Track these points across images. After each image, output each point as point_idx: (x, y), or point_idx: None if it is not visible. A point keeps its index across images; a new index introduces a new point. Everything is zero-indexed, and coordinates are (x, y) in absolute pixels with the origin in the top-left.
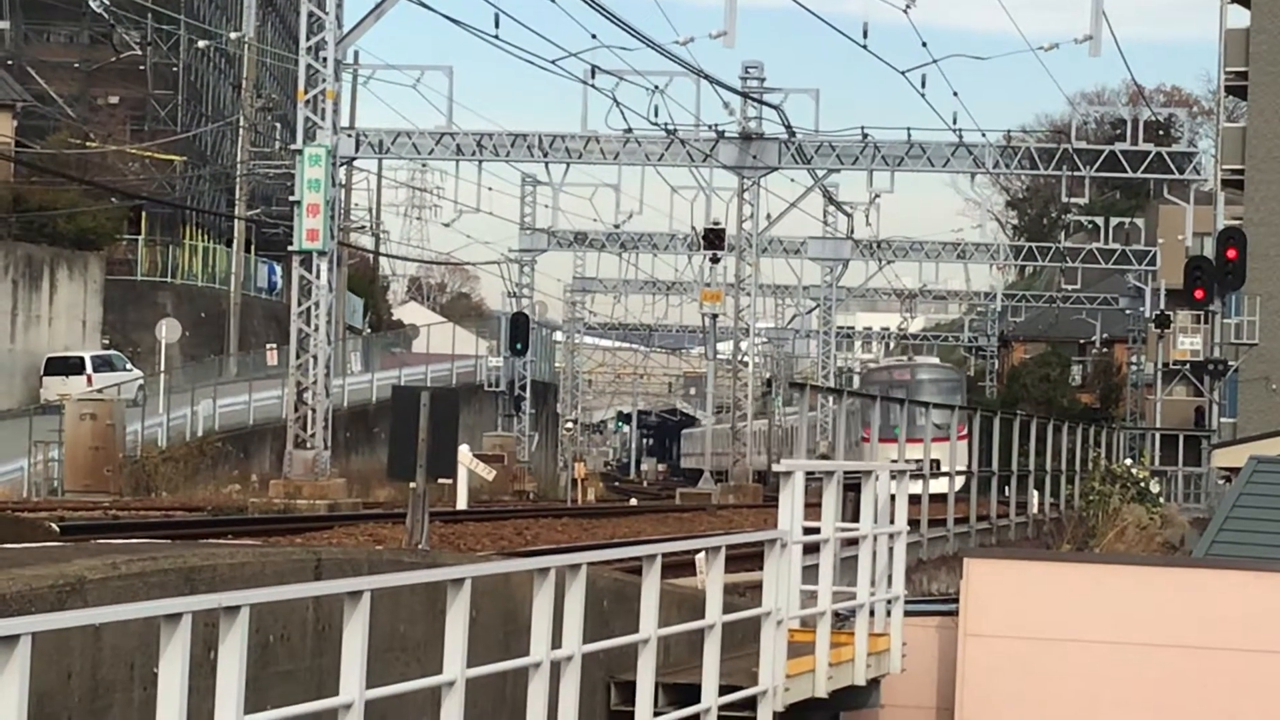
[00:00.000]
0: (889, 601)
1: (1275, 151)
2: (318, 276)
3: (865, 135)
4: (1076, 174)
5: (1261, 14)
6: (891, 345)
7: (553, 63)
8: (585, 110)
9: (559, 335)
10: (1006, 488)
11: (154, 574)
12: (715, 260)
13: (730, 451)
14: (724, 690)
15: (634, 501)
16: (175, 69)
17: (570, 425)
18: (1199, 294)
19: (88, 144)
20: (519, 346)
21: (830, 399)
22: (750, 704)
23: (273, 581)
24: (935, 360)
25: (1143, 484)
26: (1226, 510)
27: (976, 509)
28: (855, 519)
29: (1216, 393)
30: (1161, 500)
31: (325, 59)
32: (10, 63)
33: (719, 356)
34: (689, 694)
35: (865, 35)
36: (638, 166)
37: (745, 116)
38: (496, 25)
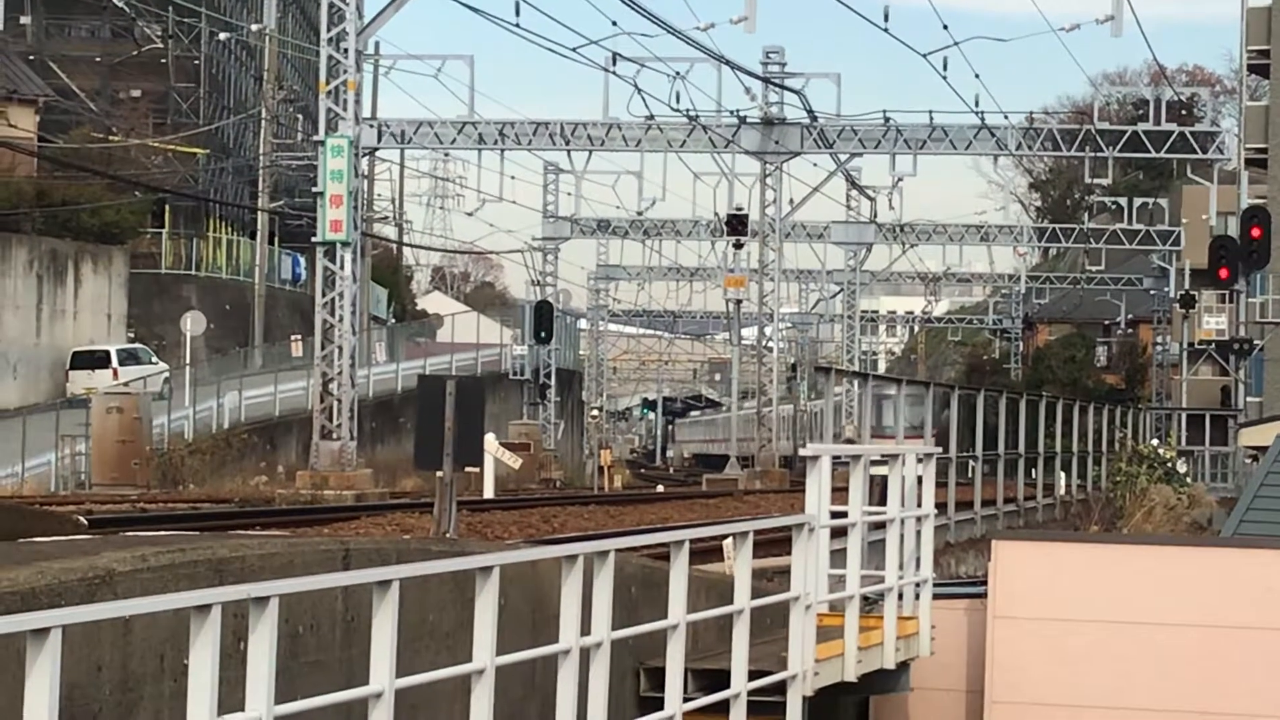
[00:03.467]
0: (917, 585)
1: None
2: (341, 267)
3: (887, 119)
4: (1099, 155)
5: None
6: (916, 329)
7: (574, 50)
8: (607, 97)
9: (583, 323)
10: (1033, 470)
11: (183, 566)
12: (738, 246)
13: (756, 437)
14: (753, 675)
15: (660, 488)
16: (197, 62)
17: (595, 412)
18: (1223, 273)
19: (110, 138)
20: (543, 335)
21: (855, 383)
22: (780, 689)
23: (301, 572)
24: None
25: (1170, 464)
26: (1254, 489)
27: (1004, 491)
28: (882, 503)
29: (1242, 372)
30: (1189, 480)
31: (346, 50)
32: (32, 57)
33: (743, 342)
34: (718, 679)
35: (886, 19)
36: (660, 153)
37: (767, 102)
38: (517, 13)
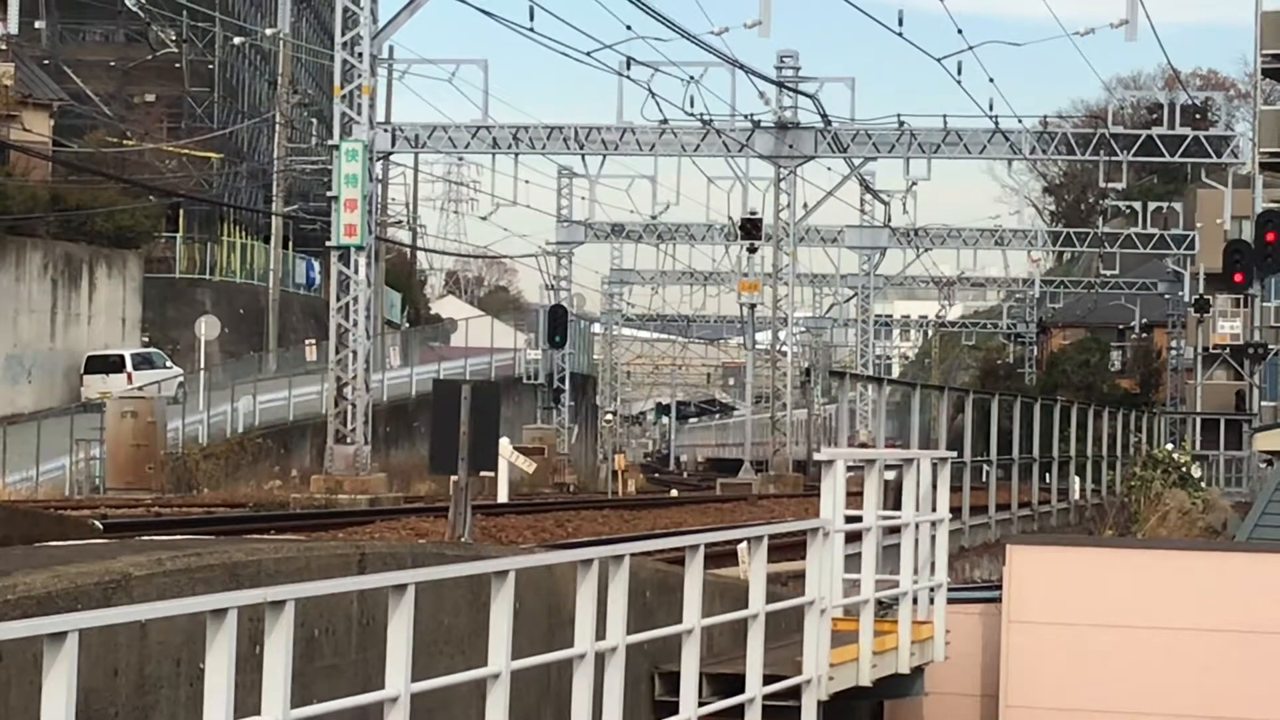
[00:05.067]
0: (932, 589)
1: None
2: (356, 271)
3: (901, 123)
4: (1114, 159)
5: None
6: (930, 333)
7: (588, 55)
8: (621, 102)
9: (597, 327)
10: (1048, 474)
11: (199, 570)
12: (752, 250)
13: (770, 441)
14: (768, 680)
15: (674, 493)
16: (211, 66)
17: (610, 417)
18: (1238, 277)
19: (125, 142)
20: (557, 339)
21: (869, 388)
22: (794, 693)
23: (317, 576)
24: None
25: (1184, 469)
26: (1269, 494)
27: (1018, 495)
28: (896, 507)
29: (1257, 376)
30: (1203, 485)
31: (361, 54)
32: (47, 62)
33: (757, 346)
34: (733, 684)
35: (900, 23)
36: (674, 157)
37: (781, 106)
38: (531, 18)
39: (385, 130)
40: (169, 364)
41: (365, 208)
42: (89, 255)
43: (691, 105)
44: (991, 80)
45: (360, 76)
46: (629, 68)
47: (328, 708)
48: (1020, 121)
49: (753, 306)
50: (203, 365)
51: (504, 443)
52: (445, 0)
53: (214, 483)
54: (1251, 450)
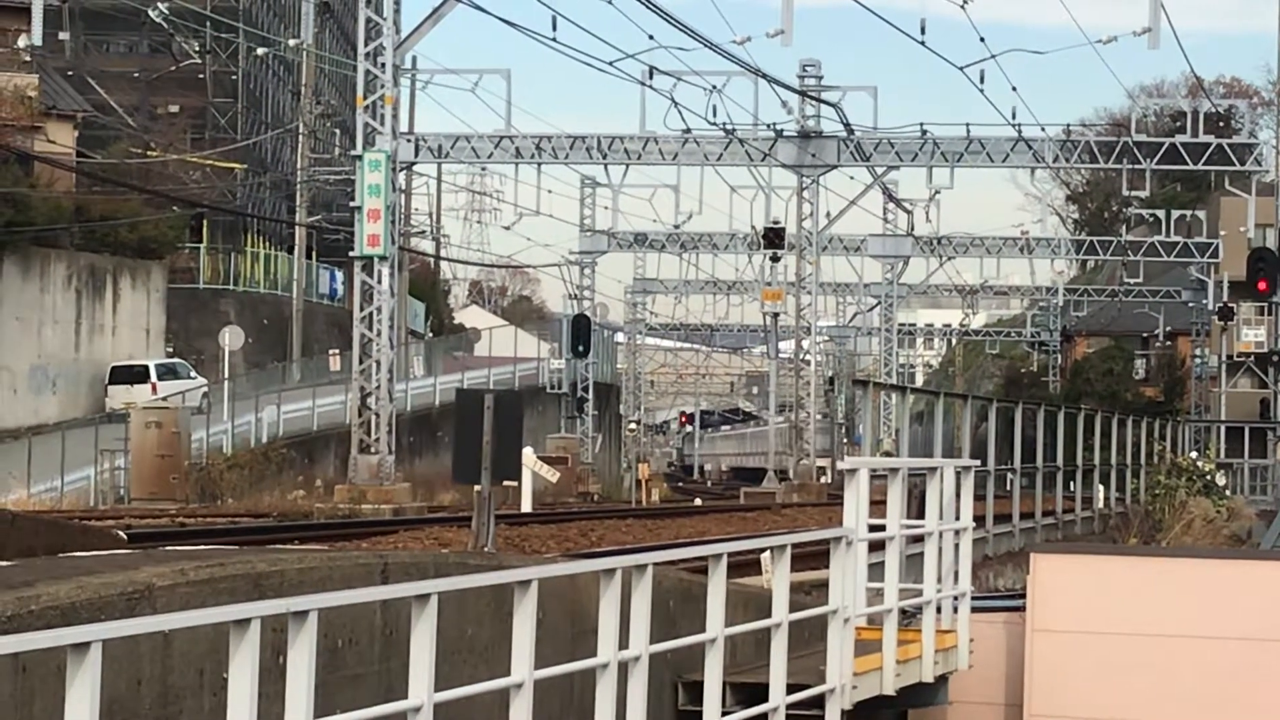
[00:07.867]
0: (956, 598)
1: None
2: (379, 281)
3: (924, 132)
4: (1137, 167)
5: None
6: (953, 342)
7: (610, 64)
8: (643, 111)
9: (620, 336)
10: (1072, 483)
11: (222, 580)
12: (776, 259)
13: (793, 450)
14: (791, 689)
15: (698, 501)
16: (234, 77)
17: (633, 426)
18: (1262, 286)
19: (148, 153)
20: (581, 348)
21: (893, 396)
22: (818, 702)
23: (340, 586)
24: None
25: (1209, 477)
26: None
27: (1042, 504)
28: (920, 516)
29: None
30: (1228, 493)
31: (383, 64)
32: (70, 73)
33: (781, 355)
34: (756, 693)
35: (923, 31)
36: (697, 167)
37: (804, 115)
38: (554, 28)
39: (408, 140)
40: (193, 374)
41: (388, 218)
42: (113, 266)
43: (714, 114)
44: (1014, 89)
45: (383, 87)
46: (651, 77)
47: (351, 718)
48: (1043, 130)
49: (776, 315)
50: (227, 375)
51: (527, 452)
52: (468, 10)
53: (238, 493)
54: (1276, 458)
